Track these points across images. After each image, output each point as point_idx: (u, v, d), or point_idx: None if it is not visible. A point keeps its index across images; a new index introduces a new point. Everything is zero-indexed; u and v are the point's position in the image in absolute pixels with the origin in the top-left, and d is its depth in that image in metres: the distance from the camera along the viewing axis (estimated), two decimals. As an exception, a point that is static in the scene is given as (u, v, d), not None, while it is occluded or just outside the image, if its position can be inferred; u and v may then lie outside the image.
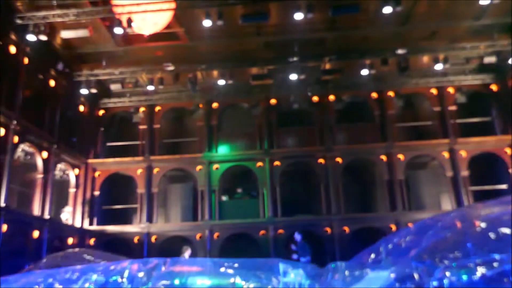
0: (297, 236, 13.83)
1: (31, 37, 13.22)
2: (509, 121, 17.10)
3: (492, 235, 7.77)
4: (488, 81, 17.87)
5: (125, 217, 18.02)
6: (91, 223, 17.22)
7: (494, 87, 17.91)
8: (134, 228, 17.20)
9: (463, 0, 13.83)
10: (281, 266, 9.13)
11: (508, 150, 16.91)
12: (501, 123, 17.59)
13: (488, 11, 14.28)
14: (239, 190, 17.91)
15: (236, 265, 7.62)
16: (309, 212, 17.34)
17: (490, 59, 16.09)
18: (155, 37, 14.65)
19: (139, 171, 17.78)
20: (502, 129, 17.45)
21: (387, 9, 12.82)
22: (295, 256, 13.41)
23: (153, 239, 16.99)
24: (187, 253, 11.26)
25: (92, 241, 16.90)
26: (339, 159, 17.43)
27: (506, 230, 7.68)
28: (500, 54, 16.01)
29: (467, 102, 18.13)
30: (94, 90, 16.54)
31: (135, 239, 16.94)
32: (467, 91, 18.05)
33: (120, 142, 18.48)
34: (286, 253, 15.11)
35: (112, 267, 6.72)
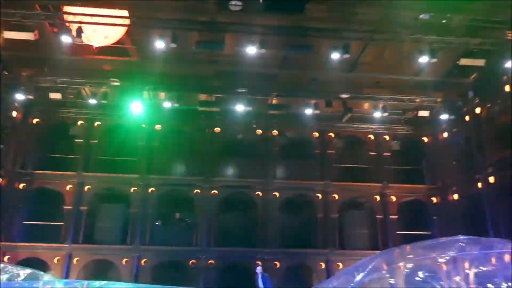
0: (258, 269, 13.65)
1: (-32, 33, 12.37)
2: (437, 172, 18.29)
3: (417, 276, 8.15)
4: (421, 133, 19.06)
5: (47, 235, 16.78)
6: (8, 239, 15.85)
7: (426, 139, 19.15)
8: (56, 248, 16.08)
9: (405, 56, 14.78)
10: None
11: (434, 199, 17.99)
12: (430, 173, 18.72)
13: (427, 69, 15.28)
14: (178, 216, 17.36)
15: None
16: (244, 244, 17.13)
17: (424, 113, 17.21)
18: (104, 50, 14.26)
19: (69, 186, 16.86)
20: (431, 179, 18.54)
21: (336, 55, 13.39)
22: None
23: (75, 260, 15.96)
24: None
25: (6, 259, 15.51)
26: (277, 193, 17.59)
27: (427, 273, 8.08)
28: (433, 109, 17.22)
29: (401, 150, 19.10)
30: (30, 97, 15.66)
31: (55, 260, 15.85)
32: (401, 139, 19.02)
33: (53, 155, 17.47)
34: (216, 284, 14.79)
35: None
